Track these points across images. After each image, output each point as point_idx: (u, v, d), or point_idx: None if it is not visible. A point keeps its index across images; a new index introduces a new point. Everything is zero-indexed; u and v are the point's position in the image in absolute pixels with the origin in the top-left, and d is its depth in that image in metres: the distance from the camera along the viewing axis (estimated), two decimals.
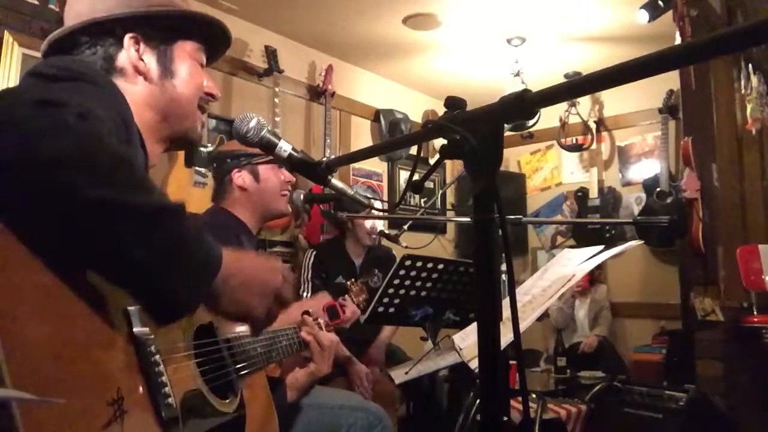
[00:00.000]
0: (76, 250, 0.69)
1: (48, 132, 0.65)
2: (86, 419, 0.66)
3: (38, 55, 1.07)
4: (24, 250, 0.64)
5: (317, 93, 4.12)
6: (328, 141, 3.96)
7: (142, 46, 1.02)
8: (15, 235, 0.64)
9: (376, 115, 4.64)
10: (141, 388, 0.78)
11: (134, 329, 0.79)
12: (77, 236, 0.68)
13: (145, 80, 1.02)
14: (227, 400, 1.05)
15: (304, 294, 3.13)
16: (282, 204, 1.98)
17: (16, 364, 0.58)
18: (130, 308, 0.79)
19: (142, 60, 1.02)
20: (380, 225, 2.93)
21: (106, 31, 1.00)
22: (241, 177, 1.92)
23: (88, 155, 0.68)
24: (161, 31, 1.04)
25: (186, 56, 1.07)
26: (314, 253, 3.31)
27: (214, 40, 1.13)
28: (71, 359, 0.67)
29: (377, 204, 3.84)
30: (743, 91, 3.38)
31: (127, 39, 1.01)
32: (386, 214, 3.01)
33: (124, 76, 1.01)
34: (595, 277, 4.40)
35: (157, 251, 0.72)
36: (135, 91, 1.01)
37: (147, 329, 0.80)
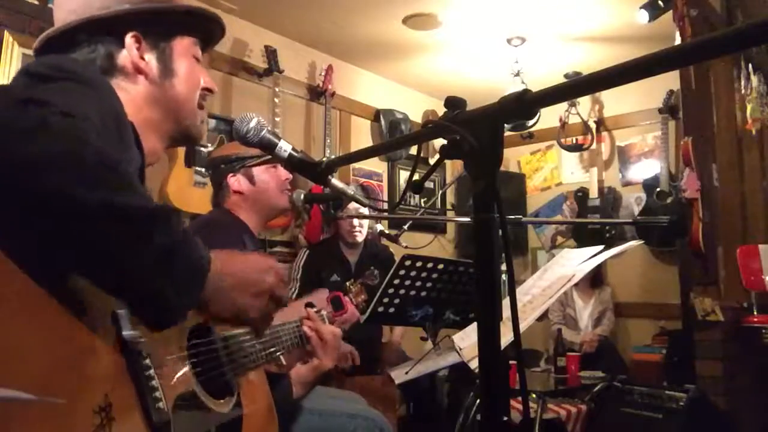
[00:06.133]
0: (64, 254, 0.67)
1: (31, 132, 0.63)
2: (71, 429, 0.65)
3: None
4: (3, 254, 0.62)
5: (317, 93, 4.11)
6: (328, 141, 3.96)
7: (143, 44, 1.01)
8: None
9: (376, 115, 4.64)
10: (130, 394, 0.75)
11: (123, 333, 0.76)
12: (66, 239, 0.66)
13: (146, 79, 1.01)
14: (223, 400, 1.03)
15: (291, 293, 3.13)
16: (283, 201, 1.99)
17: None
18: (119, 311, 0.76)
19: (143, 59, 1.01)
20: (380, 225, 2.92)
21: (106, 28, 0.98)
22: (237, 181, 1.92)
23: (72, 154, 0.65)
24: (161, 27, 1.03)
25: (184, 53, 1.06)
26: (307, 252, 3.30)
27: (209, 34, 1.13)
28: (55, 366, 0.65)
29: (367, 202, 3.88)
30: (743, 91, 3.37)
31: (129, 38, 0.99)
32: (386, 213, 3.01)
33: (125, 75, 1.00)
34: (600, 278, 4.39)
35: (149, 255, 0.70)
36: (136, 90, 1.01)
37: (137, 332, 0.77)
